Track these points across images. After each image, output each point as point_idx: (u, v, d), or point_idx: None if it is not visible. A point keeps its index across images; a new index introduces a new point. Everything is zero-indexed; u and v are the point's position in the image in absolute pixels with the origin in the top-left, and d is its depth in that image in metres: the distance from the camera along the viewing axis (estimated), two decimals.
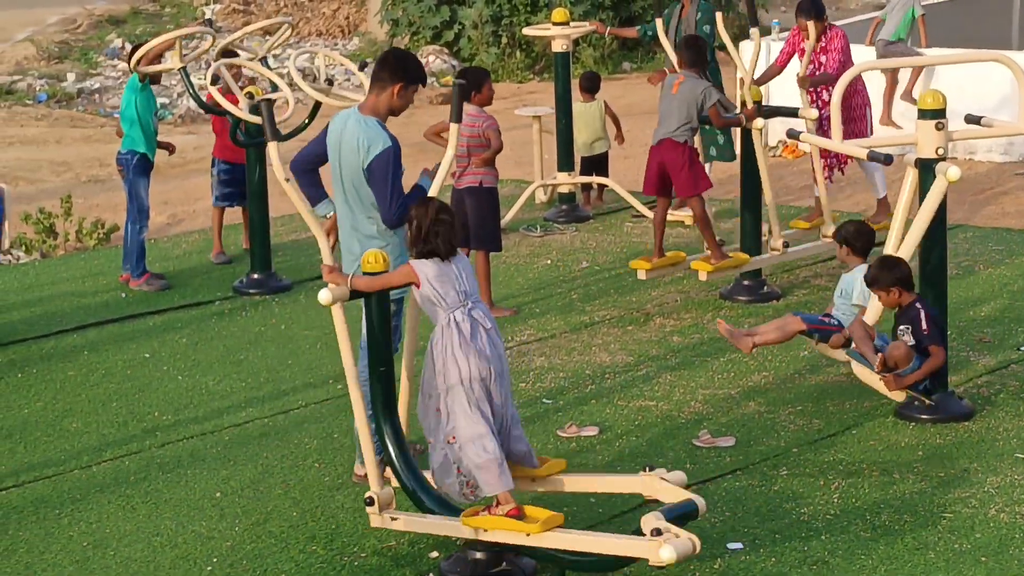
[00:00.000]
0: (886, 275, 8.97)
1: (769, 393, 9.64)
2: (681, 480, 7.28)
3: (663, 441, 8.88)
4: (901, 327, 9.04)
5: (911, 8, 17.78)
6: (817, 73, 12.42)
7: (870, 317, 9.29)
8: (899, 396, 9.07)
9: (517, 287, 12.22)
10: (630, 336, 10.91)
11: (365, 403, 7.62)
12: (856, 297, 9.45)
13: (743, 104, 11.83)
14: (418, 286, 7.32)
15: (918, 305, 9.00)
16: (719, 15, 12.94)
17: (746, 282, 11.71)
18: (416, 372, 8.00)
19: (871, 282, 9.04)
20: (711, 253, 11.44)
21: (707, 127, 12.83)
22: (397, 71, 8.05)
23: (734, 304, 11.56)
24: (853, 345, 9.18)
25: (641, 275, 11.54)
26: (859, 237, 9.67)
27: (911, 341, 8.97)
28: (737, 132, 11.87)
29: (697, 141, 11.94)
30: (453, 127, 7.93)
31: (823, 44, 12.52)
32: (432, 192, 7.92)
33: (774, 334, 9.57)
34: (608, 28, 15.88)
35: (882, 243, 9.66)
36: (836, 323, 9.48)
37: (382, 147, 7.92)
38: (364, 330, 7.86)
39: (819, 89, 12.59)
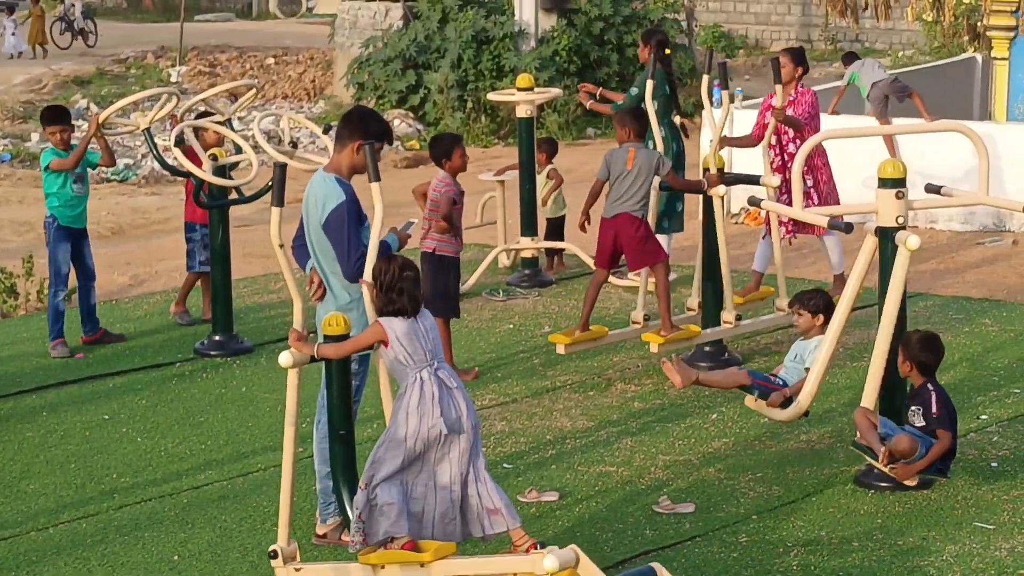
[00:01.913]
0: (914, 350, 9.03)
1: (729, 459, 9.64)
2: (569, 559, 7.02)
3: (623, 507, 8.87)
4: (913, 407, 9.06)
5: (879, 65, 18.53)
6: (784, 131, 12.48)
7: (803, 391, 9.35)
8: (912, 482, 9.05)
9: (479, 351, 12.22)
10: (591, 401, 10.91)
11: (321, 460, 7.68)
12: (809, 361, 9.48)
13: (706, 170, 11.86)
14: (386, 345, 7.36)
15: (930, 387, 9.04)
16: (649, 83, 12.84)
17: (707, 348, 11.73)
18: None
19: (903, 343, 9.09)
20: (662, 324, 11.38)
21: (668, 191, 12.88)
22: (356, 128, 8.11)
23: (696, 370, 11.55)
24: (858, 436, 9.15)
25: (560, 350, 11.44)
26: (829, 309, 9.65)
27: (921, 422, 8.99)
28: (699, 200, 11.90)
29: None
30: (374, 186, 7.87)
31: (793, 98, 12.61)
32: (371, 252, 7.90)
33: (718, 377, 9.74)
34: (591, 101, 15.52)
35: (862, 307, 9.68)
36: (781, 383, 9.53)
37: (336, 202, 7.97)
38: (323, 391, 7.88)
39: (782, 155, 12.72)
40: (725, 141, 12.74)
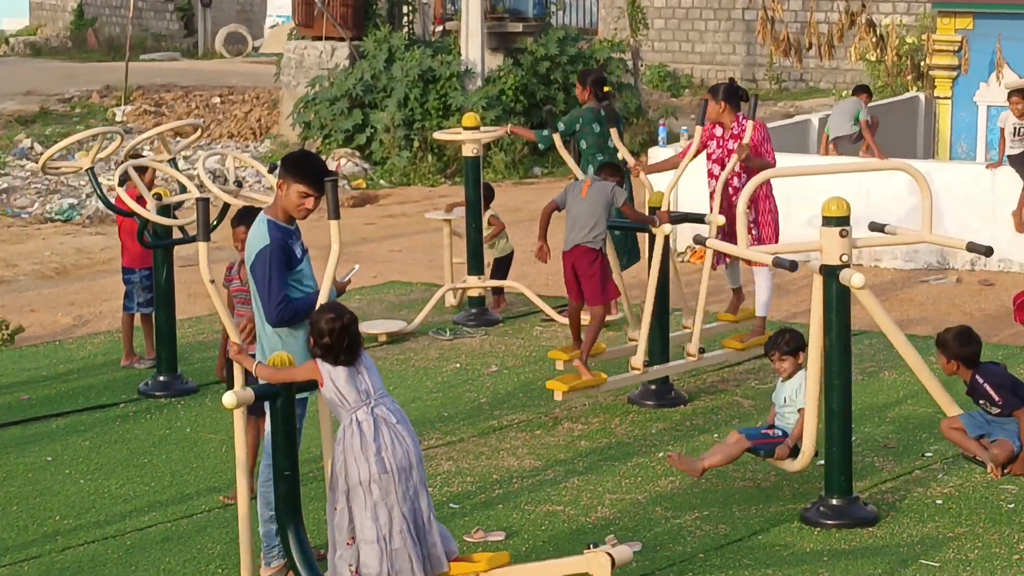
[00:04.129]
0: (952, 346, 9.08)
1: (676, 498, 9.64)
2: (627, 556, 7.37)
3: (570, 546, 8.84)
4: (981, 401, 9.12)
5: (858, 111, 18.82)
6: (725, 161, 12.46)
7: (794, 436, 9.37)
8: None
9: (425, 390, 12.19)
10: (538, 440, 10.89)
11: (264, 504, 7.66)
12: (801, 401, 9.46)
13: (652, 209, 11.87)
14: (321, 384, 7.40)
15: (979, 379, 9.06)
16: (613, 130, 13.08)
17: (653, 387, 11.73)
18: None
19: (938, 343, 9.12)
20: (579, 364, 11.29)
21: (616, 232, 12.94)
22: (289, 173, 8.05)
23: (642, 409, 11.57)
24: (962, 452, 9.16)
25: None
26: (804, 345, 9.68)
27: (995, 410, 9.03)
28: (644, 240, 11.92)
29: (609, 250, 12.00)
30: (333, 224, 7.88)
31: (734, 131, 12.54)
32: (323, 295, 7.90)
33: (720, 455, 9.56)
34: (509, 126, 15.93)
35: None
36: (780, 434, 9.48)
37: (260, 246, 7.93)
38: (267, 432, 7.84)
39: (732, 184, 12.77)
40: (649, 170, 12.89)
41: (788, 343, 9.69)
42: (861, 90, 19.85)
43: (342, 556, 7.41)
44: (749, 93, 12.94)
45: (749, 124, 12.27)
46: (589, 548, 7.21)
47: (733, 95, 12.67)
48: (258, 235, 7.99)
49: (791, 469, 9.49)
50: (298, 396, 7.93)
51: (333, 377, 7.40)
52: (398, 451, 7.38)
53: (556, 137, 13.36)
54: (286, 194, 8.02)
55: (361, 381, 7.43)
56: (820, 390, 9.22)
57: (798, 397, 9.51)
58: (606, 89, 13.90)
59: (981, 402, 9.11)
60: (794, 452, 9.41)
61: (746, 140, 12.20)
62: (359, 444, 7.34)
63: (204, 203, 7.86)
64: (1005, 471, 8.99)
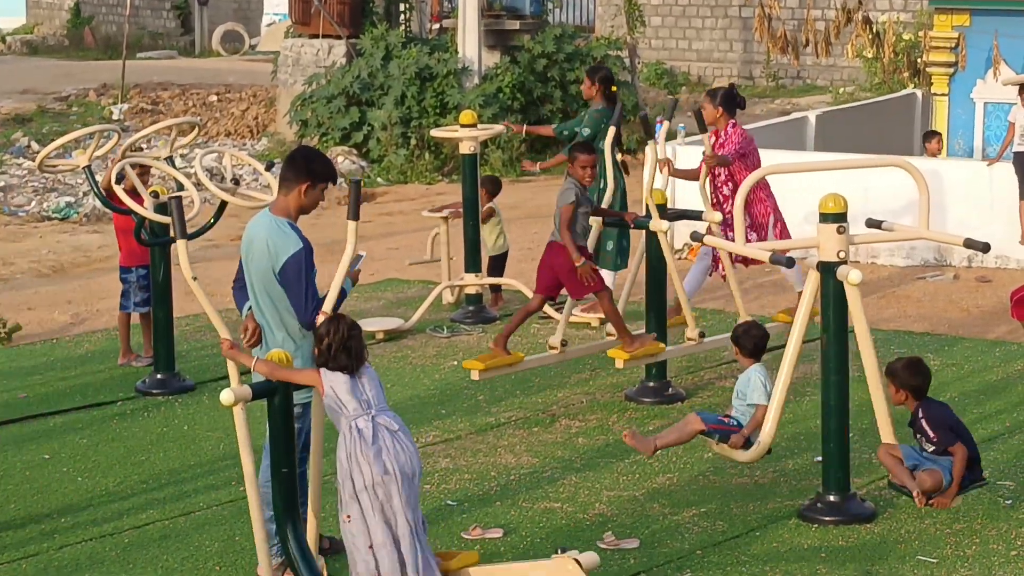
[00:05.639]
0: (902, 375, 9.17)
1: (673, 495, 9.64)
2: (594, 561, 7.41)
3: (567, 543, 8.83)
4: (917, 435, 9.19)
5: None
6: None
7: (762, 430, 9.33)
8: (957, 502, 9.12)
9: (423, 388, 12.19)
10: (536, 437, 10.89)
11: (264, 504, 7.63)
12: (751, 397, 9.44)
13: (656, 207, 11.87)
14: (322, 393, 7.40)
15: (919, 414, 9.15)
16: (611, 131, 13.05)
17: (651, 384, 11.74)
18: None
19: (888, 371, 9.20)
20: (624, 343, 11.28)
21: (616, 227, 12.96)
22: (303, 170, 8.03)
23: (639, 406, 11.58)
24: (891, 476, 9.17)
25: (474, 376, 11.24)
26: (746, 337, 9.68)
27: (931, 447, 9.08)
28: (641, 235, 11.90)
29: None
30: (351, 224, 7.88)
31: (721, 140, 12.78)
32: (334, 287, 7.91)
33: (674, 435, 9.56)
34: (524, 127, 15.93)
35: (781, 346, 9.66)
36: (736, 424, 9.49)
37: (294, 249, 7.90)
38: (268, 431, 7.84)
39: (716, 194, 12.82)
40: (674, 173, 13.00)
41: (736, 333, 9.73)
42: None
43: (367, 562, 7.37)
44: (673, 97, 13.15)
45: (737, 132, 12.50)
46: (557, 553, 7.26)
47: (731, 101, 12.74)
48: (285, 238, 7.95)
49: (742, 459, 9.39)
50: (303, 401, 7.93)
51: (333, 385, 7.39)
52: (401, 456, 7.36)
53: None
54: (308, 194, 8.02)
55: (362, 392, 7.42)
56: (786, 390, 9.25)
57: (751, 394, 9.46)
58: (613, 88, 13.87)
59: (917, 436, 9.19)
60: (747, 445, 9.36)
61: (707, 151, 12.42)
62: (359, 449, 7.32)
63: (178, 201, 7.90)
64: (929, 501, 9.01)
